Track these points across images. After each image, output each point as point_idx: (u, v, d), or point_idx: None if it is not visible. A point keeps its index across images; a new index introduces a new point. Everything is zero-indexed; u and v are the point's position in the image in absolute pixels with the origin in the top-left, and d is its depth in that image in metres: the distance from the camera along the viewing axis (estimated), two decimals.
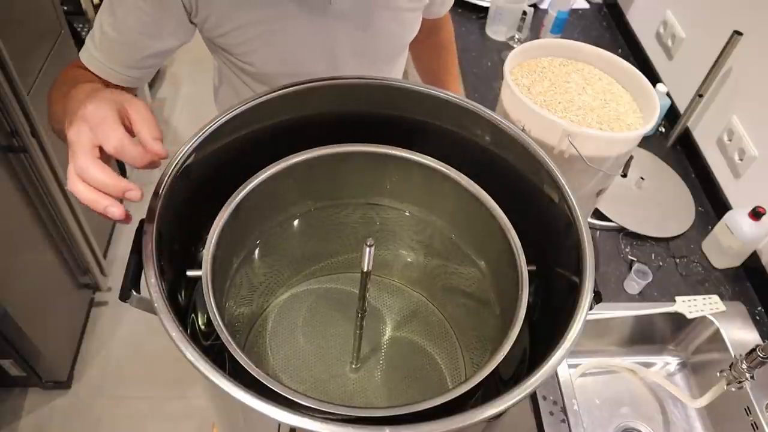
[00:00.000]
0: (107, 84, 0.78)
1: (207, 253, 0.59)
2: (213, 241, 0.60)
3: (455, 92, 1.08)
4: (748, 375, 0.87)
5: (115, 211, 0.50)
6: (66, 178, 0.52)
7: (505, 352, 0.55)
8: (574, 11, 1.74)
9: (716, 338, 1.05)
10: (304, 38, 0.83)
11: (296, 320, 0.83)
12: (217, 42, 0.83)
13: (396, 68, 1.00)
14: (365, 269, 0.61)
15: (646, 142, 1.35)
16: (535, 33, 1.66)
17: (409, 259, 0.87)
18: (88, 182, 0.50)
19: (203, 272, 0.58)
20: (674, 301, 1.05)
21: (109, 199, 0.50)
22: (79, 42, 1.81)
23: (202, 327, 0.65)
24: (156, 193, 0.57)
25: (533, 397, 0.94)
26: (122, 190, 0.50)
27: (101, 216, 0.51)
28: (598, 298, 0.57)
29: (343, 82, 0.72)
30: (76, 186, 0.51)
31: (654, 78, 1.48)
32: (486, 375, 0.53)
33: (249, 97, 0.67)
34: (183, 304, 0.64)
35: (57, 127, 0.70)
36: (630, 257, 1.14)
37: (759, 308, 1.10)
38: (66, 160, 0.52)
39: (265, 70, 0.85)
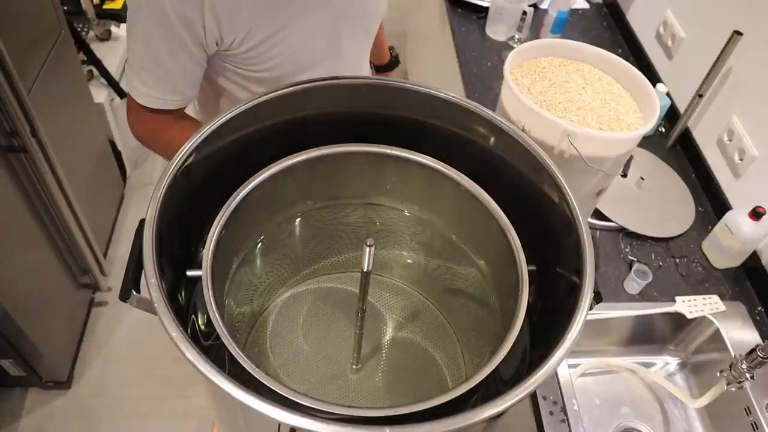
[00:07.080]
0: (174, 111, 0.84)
1: (207, 253, 0.59)
2: (213, 241, 0.60)
3: (385, 54, 1.25)
4: (748, 375, 0.87)
5: None
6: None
7: (505, 352, 0.55)
8: (574, 11, 1.74)
9: (716, 338, 1.05)
10: (314, 29, 0.85)
11: (296, 320, 0.83)
12: (235, 59, 0.84)
13: (369, 42, 1.02)
14: (365, 269, 0.61)
15: (646, 142, 1.35)
16: (535, 33, 1.66)
17: (410, 259, 0.87)
18: None
19: (203, 272, 0.58)
20: (674, 301, 1.05)
21: None
22: (79, 42, 1.81)
23: (202, 327, 0.65)
24: (156, 193, 0.57)
25: (533, 397, 0.94)
26: None
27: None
28: (598, 298, 0.57)
29: (343, 82, 0.72)
30: None
31: (654, 78, 1.48)
32: (486, 375, 0.54)
33: (248, 98, 0.67)
34: (183, 304, 0.64)
35: None
36: (630, 257, 1.14)
37: (759, 308, 1.09)
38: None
39: (279, 72, 0.87)
